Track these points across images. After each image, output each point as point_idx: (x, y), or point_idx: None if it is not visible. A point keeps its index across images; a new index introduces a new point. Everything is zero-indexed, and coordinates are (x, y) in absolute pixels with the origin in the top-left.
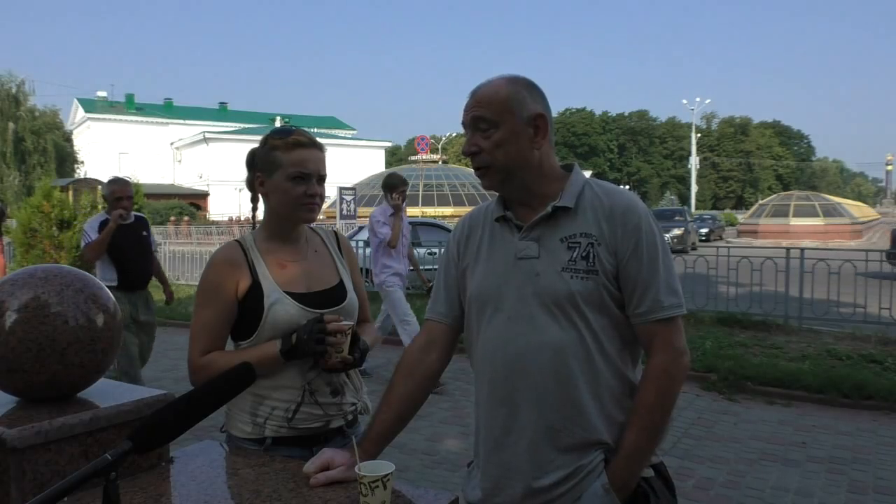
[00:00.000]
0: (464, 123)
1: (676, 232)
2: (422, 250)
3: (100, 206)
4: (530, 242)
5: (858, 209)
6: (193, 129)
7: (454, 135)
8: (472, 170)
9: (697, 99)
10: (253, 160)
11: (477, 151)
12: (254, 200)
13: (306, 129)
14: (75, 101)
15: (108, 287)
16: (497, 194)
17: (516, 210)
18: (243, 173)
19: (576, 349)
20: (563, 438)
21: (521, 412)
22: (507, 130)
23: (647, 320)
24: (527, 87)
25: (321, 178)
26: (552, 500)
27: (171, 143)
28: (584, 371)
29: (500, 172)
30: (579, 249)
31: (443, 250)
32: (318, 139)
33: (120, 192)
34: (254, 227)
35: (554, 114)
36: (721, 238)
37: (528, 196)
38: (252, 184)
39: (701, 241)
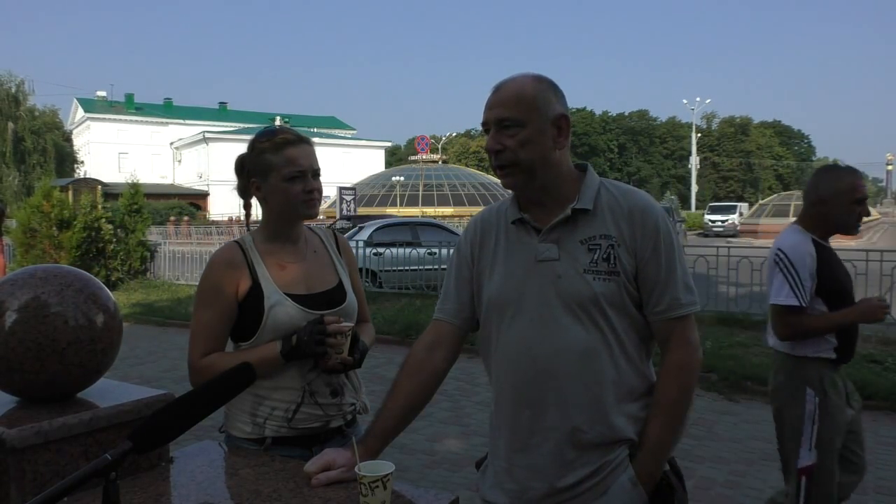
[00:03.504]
0: (486, 120)
1: None
2: (422, 250)
3: (99, 206)
4: (550, 245)
5: None
6: (193, 129)
7: (454, 135)
8: (472, 170)
9: (697, 99)
10: (242, 167)
11: (501, 149)
12: (246, 207)
13: (306, 129)
14: (75, 100)
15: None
16: (505, 197)
17: (532, 211)
18: None
19: (601, 350)
20: (588, 438)
21: (546, 414)
22: (534, 130)
23: (665, 318)
24: (551, 87)
25: (316, 173)
26: (578, 495)
27: (171, 143)
28: (608, 372)
29: (524, 172)
30: (600, 251)
31: (447, 251)
32: (318, 139)
33: (860, 189)
34: (248, 230)
35: None
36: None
37: (546, 197)
38: (244, 190)
39: None
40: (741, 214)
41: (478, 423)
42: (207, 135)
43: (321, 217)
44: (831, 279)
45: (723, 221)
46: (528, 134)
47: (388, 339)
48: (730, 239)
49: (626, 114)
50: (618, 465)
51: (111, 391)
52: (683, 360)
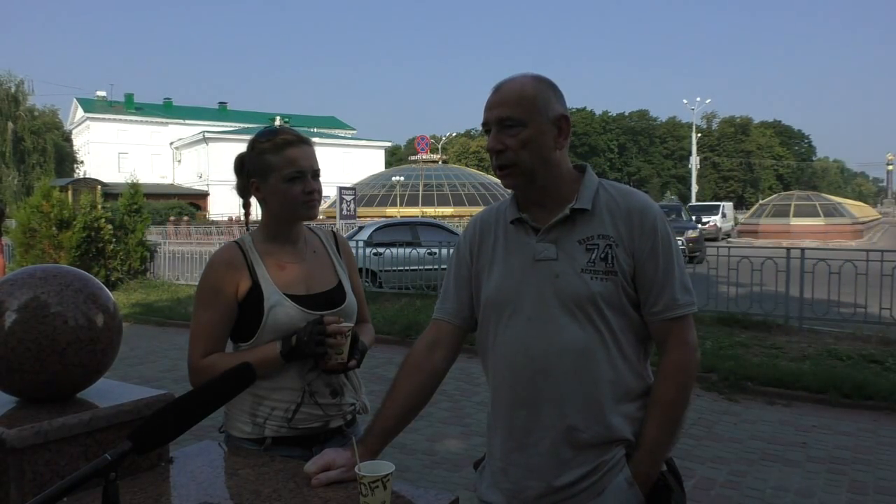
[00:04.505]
0: (487, 120)
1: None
2: (422, 250)
3: (99, 206)
4: (548, 244)
5: (859, 209)
6: (193, 128)
7: (454, 135)
8: (472, 170)
9: (698, 99)
10: (242, 166)
11: (503, 149)
12: (246, 206)
13: (306, 129)
14: (75, 100)
15: None
16: (505, 197)
17: (531, 211)
18: None
19: (597, 350)
20: (584, 438)
21: (542, 413)
22: (535, 130)
23: (663, 318)
24: (551, 87)
25: (315, 174)
26: (574, 495)
27: (171, 143)
28: (605, 371)
29: (525, 172)
30: (598, 251)
31: (447, 251)
32: (318, 139)
33: None
34: (247, 230)
35: None
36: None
37: (545, 197)
38: (244, 189)
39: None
40: (724, 215)
41: (478, 423)
42: (207, 135)
43: (321, 217)
44: None
45: (703, 224)
46: (530, 134)
47: (388, 339)
48: (730, 240)
49: (626, 114)
50: (614, 465)
51: (111, 391)
52: (681, 360)
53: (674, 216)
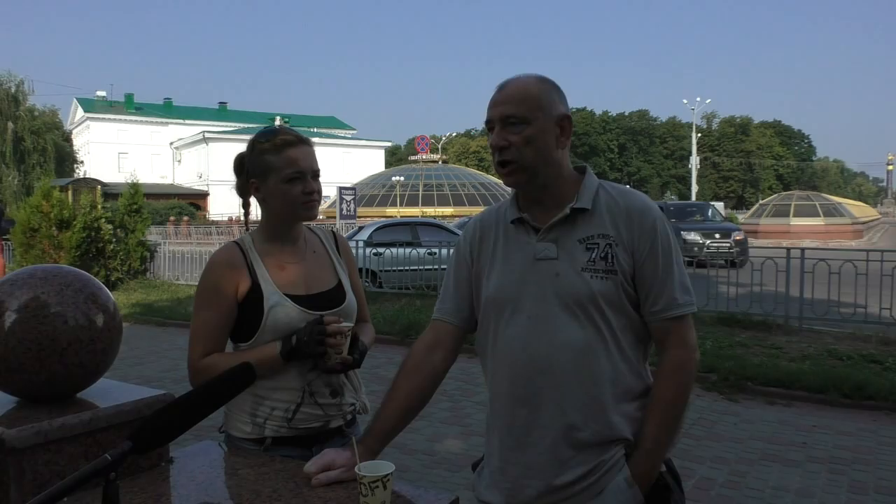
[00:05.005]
0: (491, 118)
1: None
2: (422, 250)
3: (99, 206)
4: (548, 244)
5: (859, 209)
6: (193, 128)
7: (454, 135)
8: (472, 170)
9: (698, 99)
10: (242, 166)
11: (506, 146)
12: (245, 206)
13: (306, 129)
14: (75, 100)
15: None
16: (505, 197)
17: (531, 211)
18: None
19: (597, 349)
20: (584, 436)
21: (542, 412)
22: (538, 128)
23: (662, 318)
24: (554, 87)
25: (315, 174)
26: (573, 495)
27: (171, 143)
28: (605, 370)
29: (527, 170)
30: (598, 250)
31: (447, 251)
32: (318, 139)
33: None
34: (247, 230)
35: None
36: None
37: (546, 196)
38: (243, 189)
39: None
40: None
41: (478, 423)
42: (207, 135)
43: (321, 217)
44: None
45: None
46: (533, 132)
47: (388, 339)
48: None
49: (626, 114)
50: (614, 465)
51: (111, 391)
52: (680, 359)
53: (699, 216)
